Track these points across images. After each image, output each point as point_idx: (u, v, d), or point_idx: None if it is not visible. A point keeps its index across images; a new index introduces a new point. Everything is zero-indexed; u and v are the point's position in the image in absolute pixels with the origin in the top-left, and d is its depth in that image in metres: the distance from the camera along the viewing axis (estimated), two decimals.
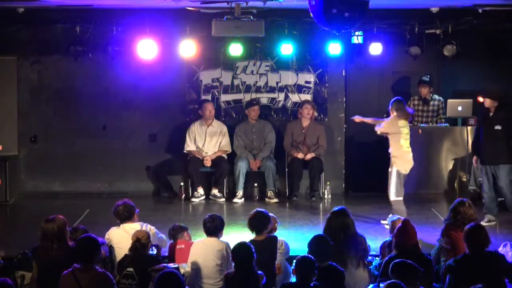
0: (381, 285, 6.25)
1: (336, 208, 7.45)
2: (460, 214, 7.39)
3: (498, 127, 10.07)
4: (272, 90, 12.55)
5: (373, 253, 7.88)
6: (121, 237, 7.52)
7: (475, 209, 7.65)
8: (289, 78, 12.53)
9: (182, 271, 6.96)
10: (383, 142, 12.62)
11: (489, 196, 10.15)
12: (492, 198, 10.16)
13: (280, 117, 12.60)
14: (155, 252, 7.42)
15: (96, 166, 12.48)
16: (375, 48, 11.94)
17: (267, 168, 11.84)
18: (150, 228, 7.62)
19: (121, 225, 7.68)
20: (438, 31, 11.83)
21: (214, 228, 7.27)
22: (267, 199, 11.81)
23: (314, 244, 6.74)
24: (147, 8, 11.40)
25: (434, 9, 11.01)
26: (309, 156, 11.87)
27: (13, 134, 11.58)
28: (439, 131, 12.29)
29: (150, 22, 11.58)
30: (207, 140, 12.04)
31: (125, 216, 7.69)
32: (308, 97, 12.49)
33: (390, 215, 9.15)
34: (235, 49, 11.66)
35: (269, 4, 10.09)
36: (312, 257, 6.32)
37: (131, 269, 6.84)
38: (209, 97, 12.45)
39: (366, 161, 12.65)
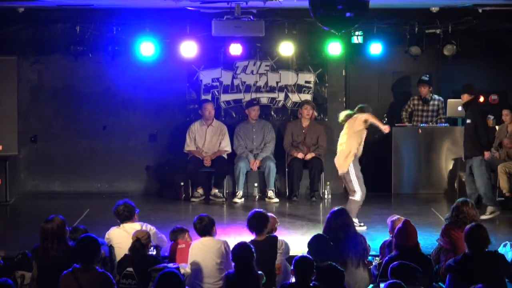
0: (381, 285, 6.24)
1: (335, 209, 7.46)
2: (462, 213, 7.39)
3: (468, 121, 10.53)
4: (272, 90, 12.55)
5: (373, 253, 7.88)
6: (121, 237, 7.52)
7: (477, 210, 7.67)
8: (289, 78, 12.53)
9: (182, 271, 6.96)
10: (382, 142, 12.69)
11: (471, 189, 10.60)
12: (474, 192, 10.58)
13: (280, 117, 12.60)
14: (154, 253, 7.42)
15: (96, 166, 12.48)
16: (375, 48, 11.95)
17: (267, 168, 11.83)
18: (150, 228, 7.62)
19: (121, 225, 7.68)
20: (438, 31, 11.84)
21: (204, 228, 7.27)
22: (267, 199, 11.81)
23: (314, 244, 6.73)
24: (147, 8, 11.40)
25: (434, 9, 11.02)
26: (309, 156, 11.88)
27: (13, 134, 11.58)
28: (439, 131, 12.30)
29: (150, 22, 11.59)
30: (207, 140, 12.04)
31: (125, 216, 7.69)
32: (308, 97, 12.50)
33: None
34: (235, 49, 11.66)
35: (269, 4, 10.10)
36: (310, 257, 6.32)
37: (131, 269, 6.84)
38: (209, 97, 12.45)
39: (366, 161, 12.65)
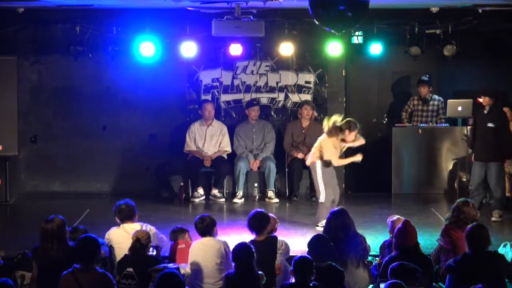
0: (381, 285, 6.24)
1: (335, 209, 7.47)
2: (463, 213, 7.40)
3: (491, 125, 10.28)
4: (272, 90, 12.55)
5: (373, 253, 7.88)
6: (121, 237, 7.52)
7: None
8: (289, 78, 12.53)
9: (182, 271, 6.96)
10: (382, 142, 12.69)
11: (477, 190, 10.41)
12: (479, 193, 10.43)
13: (280, 117, 12.59)
14: (154, 253, 7.41)
15: (96, 166, 12.48)
16: (375, 48, 11.95)
17: (267, 168, 11.83)
18: (150, 229, 7.62)
19: (121, 225, 7.68)
20: (438, 31, 11.84)
21: (205, 228, 7.28)
22: (267, 199, 11.81)
23: (314, 244, 6.73)
24: (147, 8, 11.39)
25: (434, 9, 11.00)
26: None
27: (13, 134, 11.58)
28: (439, 131, 12.30)
29: (150, 22, 11.59)
30: (207, 140, 12.03)
31: (127, 215, 7.68)
32: (308, 97, 12.49)
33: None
34: (235, 49, 11.66)
35: (269, 4, 10.09)
36: (309, 257, 6.32)
37: (131, 269, 6.84)
38: (209, 97, 12.45)
39: (366, 161, 12.64)
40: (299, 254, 6.42)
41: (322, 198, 9.73)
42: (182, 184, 12.09)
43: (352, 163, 10.18)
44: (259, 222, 7.27)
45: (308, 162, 10.01)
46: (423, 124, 12.32)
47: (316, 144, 9.93)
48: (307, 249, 6.74)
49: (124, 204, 7.74)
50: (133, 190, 12.10)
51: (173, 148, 12.42)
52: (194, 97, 12.54)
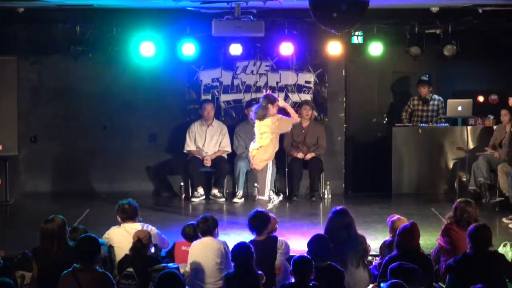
0: (381, 285, 6.24)
1: (337, 208, 7.45)
2: (467, 213, 7.39)
3: None
4: (272, 90, 12.53)
5: (373, 253, 7.88)
6: (121, 237, 7.51)
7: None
8: (289, 78, 12.53)
9: (182, 271, 6.96)
10: (382, 142, 12.68)
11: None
12: None
13: None
14: (153, 250, 7.40)
15: (96, 166, 12.48)
16: (375, 48, 11.95)
17: None
18: (152, 229, 7.60)
19: (122, 225, 7.67)
20: (438, 31, 11.84)
21: (207, 228, 7.28)
22: None
23: (314, 244, 6.73)
24: (147, 8, 11.40)
25: (434, 9, 11.00)
26: (309, 156, 11.88)
27: (13, 134, 11.56)
28: (439, 131, 12.30)
29: (150, 22, 11.59)
30: (207, 140, 12.04)
31: (129, 215, 7.67)
32: (308, 97, 12.49)
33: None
34: (235, 49, 11.66)
35: (269, 4, 10.09)
36: (308, 257, 6.32)
37: (131, 269, 6.84)
38: (209, 97, 12.45)
39: (366, 161, 12.66)
40: (299, 254, 6.41)
41: (266, 196, 10.11)
42: (182, 184, 12.09)
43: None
44: (259, 222, 7.28)
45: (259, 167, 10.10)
46: (423, 124, 12.32)
47: (270, 137, 9.98)
48: (307, 249, 6.74)
49: (127, 204, 7.73)
50: (133, 190, 12.12)
51: (173, 148, 12.42)
52: (194, 97, 12.54)
